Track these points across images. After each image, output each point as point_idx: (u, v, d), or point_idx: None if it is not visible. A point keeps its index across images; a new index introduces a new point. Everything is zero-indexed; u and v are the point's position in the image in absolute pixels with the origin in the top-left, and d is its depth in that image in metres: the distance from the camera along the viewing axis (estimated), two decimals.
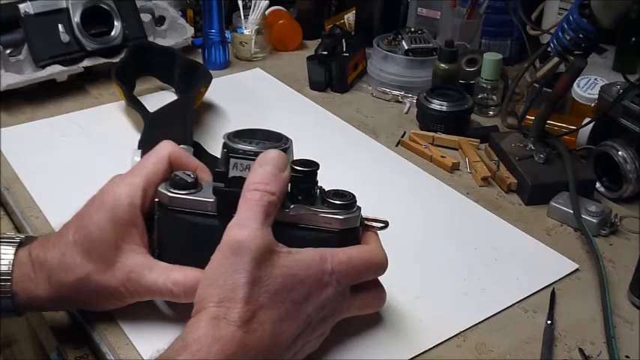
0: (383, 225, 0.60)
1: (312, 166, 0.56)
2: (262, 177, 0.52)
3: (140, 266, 0.56)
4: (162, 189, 0.57)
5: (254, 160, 0.54)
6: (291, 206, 0.55)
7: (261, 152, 0.55)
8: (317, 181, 0.57)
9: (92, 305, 0.59)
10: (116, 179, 0.58)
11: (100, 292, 0.57)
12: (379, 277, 0.59)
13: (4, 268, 0.56)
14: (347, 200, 0.57)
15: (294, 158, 0.57)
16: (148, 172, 0.58)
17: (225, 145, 0.56)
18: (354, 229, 0.57)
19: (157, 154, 0.60)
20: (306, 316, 0.52)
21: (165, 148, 0.60)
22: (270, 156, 0.53)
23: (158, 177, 0.58)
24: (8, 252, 0.57)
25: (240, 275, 0.49)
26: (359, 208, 0.58)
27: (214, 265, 0.50)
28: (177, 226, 0.57)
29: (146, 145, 0.81)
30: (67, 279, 0.56)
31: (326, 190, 0.57)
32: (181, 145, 0.73)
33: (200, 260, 0.56)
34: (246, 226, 0.50)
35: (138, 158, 0.78)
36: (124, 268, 0.56)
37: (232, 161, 0.55)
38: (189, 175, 0.57)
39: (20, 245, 0.58)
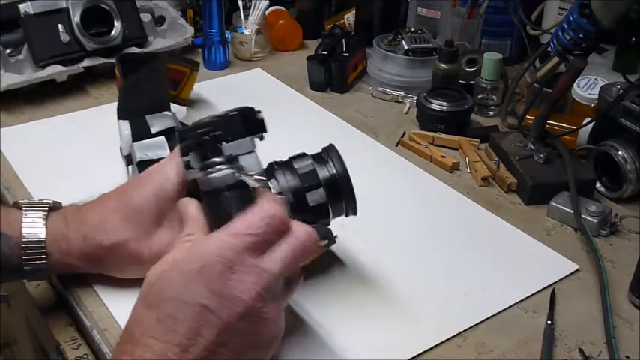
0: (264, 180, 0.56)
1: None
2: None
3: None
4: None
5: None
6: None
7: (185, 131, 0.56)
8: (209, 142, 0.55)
9: (118, 271, 0.61)
10: (162, 161, 0.60)
11: (130, 260, 0.59)
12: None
13: (39, 230, 0.58)
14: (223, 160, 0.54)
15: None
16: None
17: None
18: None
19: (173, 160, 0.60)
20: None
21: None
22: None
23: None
24: (38, 217, 0.59)
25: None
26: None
27: None
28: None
29: (126, 113, 0.80)
30: (102, 241, 0.58)
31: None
32: (164, 112, 0.73)
33: None
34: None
35: (127, 130, 0.78)
36: (159, 242, 0.58)
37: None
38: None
39: (51, 210, 0.60)
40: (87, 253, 0.59)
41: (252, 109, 0.57)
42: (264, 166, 0.58)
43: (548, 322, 0.62)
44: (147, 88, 0.87)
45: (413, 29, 1.11)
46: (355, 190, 0.59)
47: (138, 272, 0.60)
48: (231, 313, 0.46)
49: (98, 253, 0.59)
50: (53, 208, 0.61)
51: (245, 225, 0.48)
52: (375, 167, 0.88)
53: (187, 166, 0.56)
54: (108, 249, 0.59)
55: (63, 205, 0.63)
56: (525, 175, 0.81)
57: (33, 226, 0.58)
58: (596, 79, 0.97)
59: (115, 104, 1.01)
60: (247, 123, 0.56)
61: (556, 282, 0.68)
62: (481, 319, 0.63)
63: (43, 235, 0.58)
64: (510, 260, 0.71)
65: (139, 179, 0.60)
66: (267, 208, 0.49)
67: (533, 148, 0.85)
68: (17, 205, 0.60)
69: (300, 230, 0.51)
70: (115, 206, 0.59)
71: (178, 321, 0.45)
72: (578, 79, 0.91)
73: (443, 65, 1.00)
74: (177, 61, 0.95)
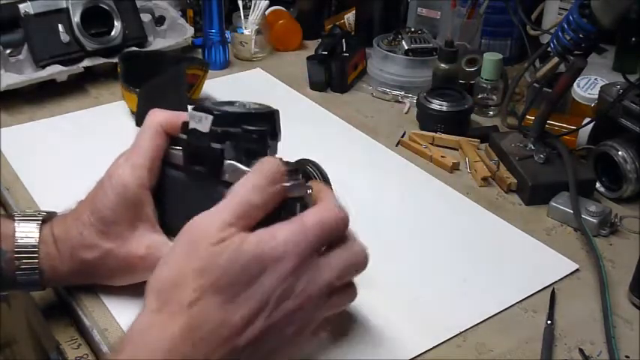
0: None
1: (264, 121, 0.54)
2: (250, 182, 0.48)
3: (157, 243, 0.58)
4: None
5: (208, 113, 0.53)
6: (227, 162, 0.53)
7: (221, 110, 0.53)
8: (268, 145, 0.53)
9: (110, 281, 0.61)
10: (120, 161, 0.59)
11: (120, 268, 0.59)
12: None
13: (32, 247, 0.58)
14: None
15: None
16: (149, 150, 0.58)
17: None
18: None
19: (151, 129, 0.59)
20: (261, 293, 0.45)
21: (156, 119, 0.59)
22: (263, 165, 0.49)
23: (159, 151, 0.58)
24: (33, 230, 0.58)
25: (189, 261, 0.45)
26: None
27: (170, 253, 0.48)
28: (162, 180, 0.59)
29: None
30: (87, 257, 0.58)
31: None
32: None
33: (167, 214, 0.58)
34: (209, 214, 0.46)
35: None
36: (141, 245, 0.58)
37: (190, 113, 0.55)
38: None
39: (43, 223, 0.59)
40: (76, 270, 0.59)
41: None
42: None
43: (548, 322, 0.62)
44: (167, 95, 0.87)
45: (413, 29, 1.11)
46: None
47: (131, 278, 0.60)
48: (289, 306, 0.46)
49: (86, 268, 0.59)
50: (47, 218, 0.60)
51: (318, 219, 0.47)
52: (374, 167, 0.88)
53: (221, 155, 0.53)
54: (94, 263, 0.58)
55: (58, 213, 0.62)
56: (525, 175, 0.81)
57: (26, 239, 0.58)
58: (596, 79, 0.97)
59: (115, 104, 1.02)
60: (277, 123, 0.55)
61: (556, 282, 0.68)
62: (481, 319, 0.63)
63: (35, 248, 0.58)
64: (510, 260, 0.71)
65: (103, 187, 0.58)
66: (338, 209, 0.48)
67: (533, 148, 0.85)
68: (10, 216, 0.60)
69: (357, 245, 0.50)
70: (88, 220, 0.58)
71: (240, 307, 0.44)
72: (578, 79, 0.91)
73: (443, 65, 1.00)
74: (194, 65, 0.96)
